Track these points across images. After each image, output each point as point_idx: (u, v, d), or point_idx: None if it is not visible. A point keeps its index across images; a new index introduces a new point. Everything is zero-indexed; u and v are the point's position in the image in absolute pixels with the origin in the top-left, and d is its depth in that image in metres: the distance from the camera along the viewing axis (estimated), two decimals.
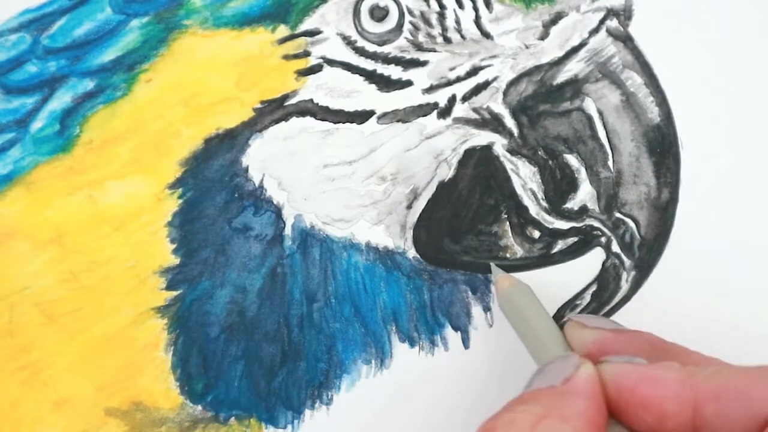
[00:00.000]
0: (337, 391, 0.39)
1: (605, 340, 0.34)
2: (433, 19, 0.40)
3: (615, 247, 0.39)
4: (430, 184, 0.40)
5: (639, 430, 0.30)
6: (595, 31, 0.39)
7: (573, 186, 0.39)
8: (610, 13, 0.39)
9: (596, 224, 0.39)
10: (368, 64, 0.40)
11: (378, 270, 0.39)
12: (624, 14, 0.39)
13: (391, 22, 0.40)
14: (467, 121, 0.40)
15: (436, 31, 0.40)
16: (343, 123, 0.40)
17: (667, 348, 0.34)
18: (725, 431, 0.29)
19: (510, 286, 0.37)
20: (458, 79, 0.40)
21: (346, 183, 0.40)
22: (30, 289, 0.39)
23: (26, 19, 0.40)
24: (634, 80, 0.39)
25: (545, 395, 0.30)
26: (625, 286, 0.39)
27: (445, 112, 0.40)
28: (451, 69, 0.40)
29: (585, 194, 0.39)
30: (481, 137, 0.40)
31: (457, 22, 0.40)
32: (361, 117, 0.40)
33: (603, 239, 0.39)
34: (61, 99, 0.39)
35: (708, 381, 0.29)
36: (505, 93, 0.40)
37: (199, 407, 0.39)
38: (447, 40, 0.40)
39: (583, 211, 0.39)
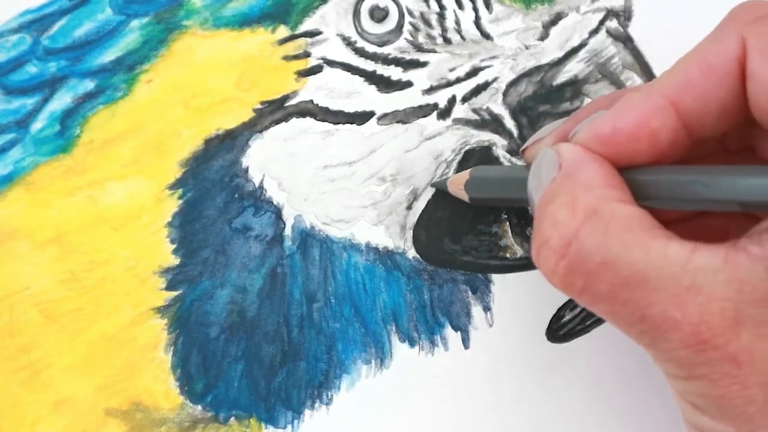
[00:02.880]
0: (337, 391, 0.39)
1: (562, 131, 0.33)
2: (433, 19, 0.40)
3: None
4: (430, 185, 0.40)
5: (645, 161, 0.29)
6: (594, 32, 0.39)
7: None
8: (610, 13, 0.39)
9: None
10: (368, 65, 0.40)
11: (378, 270, 0.39)
12: (624, 15, 0.39)
13: (391, 22, 0.40)
14: (467, 122, 0.40)
15: (436, 31, 0.40)
16: (343, 124, 0.40)
17: (616, 95, 0.33)
18: (713, 105, 0.28)
19: (469, 174, 0.37)
20: (458, 80, 0.40)
21: (346, 184, 0.40)
22: (30, 289, 0.39)
23: (26, 20, 0.40)
24: (634, 81, 0.39)
25: (555, 188, 0.29)
26: None
27: (445, 113, 0.40)
28: (451, 70, 0.40)
29: None
30: (481, 138, 0.40)
31: (457, 22, 0.40)
32: (361, 118, 0.40)
33: None
34: (62, 99, 0.39)
35: (669, 79, 0.29)
36: (505, 94, 0.40)
37: (199, 407, 0.38)
38: (447, 41, 0.40)
39: None
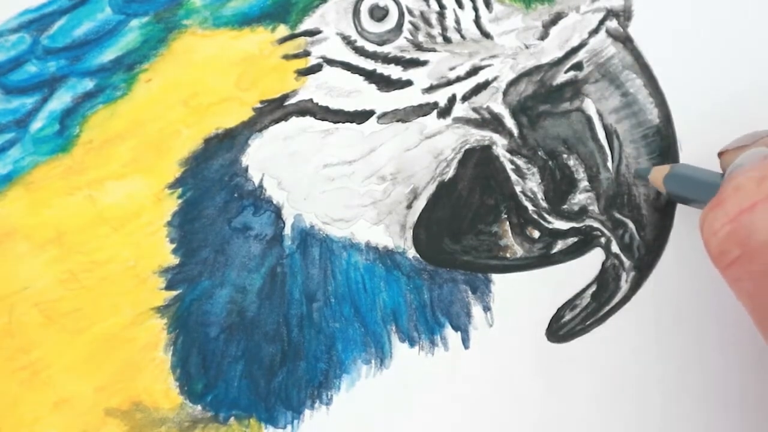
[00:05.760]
0: (337, 391, 0.39)
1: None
2: (433, 18, 0.40)
3: (614, 248, 0.39)
4: (430, 184, 0.40)
5: None
6: (594, 32, 0.39)
7: (572, 186, 0.39)
8: (610, 13, 0.39)
9: (596, 225, 0.39)
10: (368, 64, 0.40)
11: (378, 270, 0.39)
12: (624, 15, 0.39)
13: (390, 21, 0.40)
14: (467, 121, 0.40)
15: (436, 30, 0.40)
16: (343, 123, 0.40)
17: None
18: None
19: (670, 168, 0.37)
20: (458, 79, 0.40)
21: (346, 183, 0.40)
22: (30, 289, 0.39)
23: (26, 20, 0.40)
24: (634, 81, 0.39)
25: (756, 167, 0.29)
26: (624, 286, 0.39)
27: (445, 112, 0.40)
28: (451, 69, 0.40)
29: (584, 195, 0.39)
30: (481, 137, 0.40)
31: (457, 21, 0.40)
32: (360, 117, 0.40)
33: (602, 240, 0.39)
34: (61, 99, 0.39)
35: None
36: (505, 93, 0.40)
37: (199, 407, 0.39)
38: (447, 40, 0.40)
39: (583, 211, 0.39)
